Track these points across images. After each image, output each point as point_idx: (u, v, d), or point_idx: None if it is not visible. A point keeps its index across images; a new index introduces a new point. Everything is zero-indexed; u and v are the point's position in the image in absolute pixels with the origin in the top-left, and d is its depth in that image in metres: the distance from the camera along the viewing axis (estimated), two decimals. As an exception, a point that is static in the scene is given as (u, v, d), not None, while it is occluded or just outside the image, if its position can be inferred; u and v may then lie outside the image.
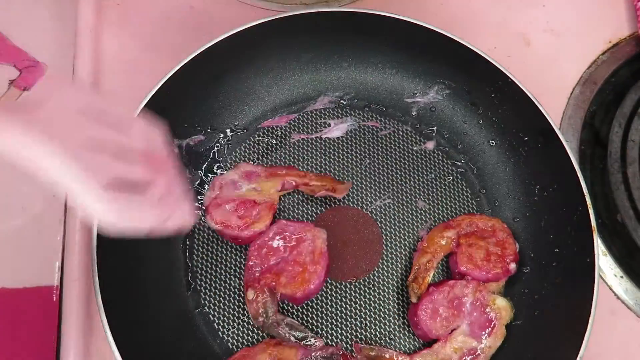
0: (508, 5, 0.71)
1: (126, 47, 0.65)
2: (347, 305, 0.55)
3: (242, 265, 0.56)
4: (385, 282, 0.56)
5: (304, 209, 0.59)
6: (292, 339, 0.51)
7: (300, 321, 0.54)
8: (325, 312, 0.55)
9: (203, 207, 0.57)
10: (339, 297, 0.55)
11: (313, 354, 0.50)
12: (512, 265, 0.54)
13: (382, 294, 0.56)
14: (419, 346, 0.54)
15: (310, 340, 0.51)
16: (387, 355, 0.52)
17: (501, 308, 0.52)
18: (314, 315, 0.54)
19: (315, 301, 0.55)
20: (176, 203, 0.42)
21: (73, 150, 0.33)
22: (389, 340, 0.54)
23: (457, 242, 0.55)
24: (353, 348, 0.53)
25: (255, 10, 0.67)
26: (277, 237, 0.54)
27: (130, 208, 0.37)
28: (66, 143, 0.33)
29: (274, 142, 0.61)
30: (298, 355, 0.50)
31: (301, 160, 0.61)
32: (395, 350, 0.52)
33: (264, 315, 0.51)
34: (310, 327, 0.54)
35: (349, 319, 0.55)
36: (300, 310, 0.55)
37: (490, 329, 0.51)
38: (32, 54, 0.65)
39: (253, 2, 0.68)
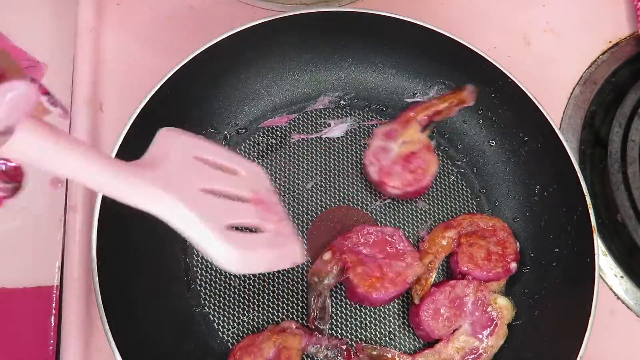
0: (508, 5, 0.71)
1: (126, 47, 0.65)
2: (348, 306, 0.55)
3: (242, 265, 0.56)
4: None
5: (304, 208, 0.58)
6: (314, 313, 0.52)
7: (300, 319, 0.54)
8: (325, 312, 0.55)
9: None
10: (339, 297, 0.55)
11: (315, 343, 0.50)
12: (513, 265, 0.54)
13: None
14: (420, 346, 0.54)
15: (320, 324, 0.51)
16: (389, 355, 0.52)
17: (502, 307, 0.52)
18: (314, 315, 0.55)
19: (315, 301, 0.55)
20: (287, 242, 0.44)
21: (193, 198, 0.37)
22: (389, 341, 0.54)
23: (458, 242, 0.55)
24: (355, 347, 0.53)
25: (255, 10, 0.67)
26: (386, 237, 0.54)
27: (248, 249, 0.40)
28: (186, 192, 0.37)
29: (274, 142, 0.61)
30: (302, 343, 0.50)
31: (301, 160, 0.61)
32: (397, 350, 0.52)
33: (320, 278, 0.52)
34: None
35: (350, 319, 0.55)
36: (301, 310, 0.55)
37: (492, 328, 0.51)
38: (32, 54, 0.65)
39: (253, 2, 0.68)
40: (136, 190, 0.36)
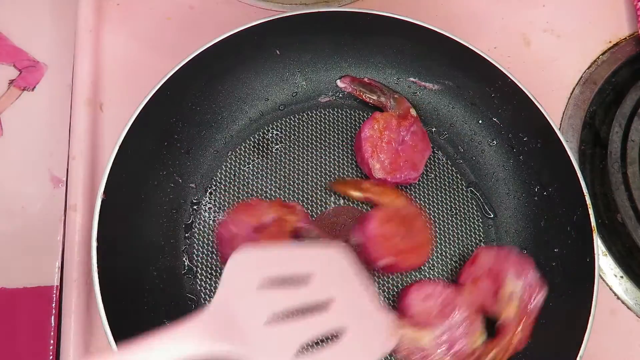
0: (508, 5, 0.71)
1: (126, 47, 0.65)
2: (347, 305, 0.55)
3: (242, 265, 0.56)
4: (386, 282, 0.56)
5: (304, 207, 0.58)
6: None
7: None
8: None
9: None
10: (339, 297, 0.55)
11: (309, 228, 0.52)
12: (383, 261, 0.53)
13: (382, 294, 0.56)
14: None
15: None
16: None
17: (477, 349, 0.51)
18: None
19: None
20: (369, 338, 0.43)
21: (258, 342, 0.37)
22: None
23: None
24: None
25: (255, 10, 0.67)
26: None
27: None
28: (252, 335, 0.37)
29: (274, 142, 0.61)
30: (298, 222, 0.51)
31: (301, 159, 0.61)
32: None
33: None
34: (310, 327, 0.54)
35: (349, 319, 0.55)
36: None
37: (454, 351, 0.50)
38: (32, 54, 0.65)
39: (253, 2, 0.68)
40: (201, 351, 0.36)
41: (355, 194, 0.57)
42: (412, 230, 0.55)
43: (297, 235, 0.51)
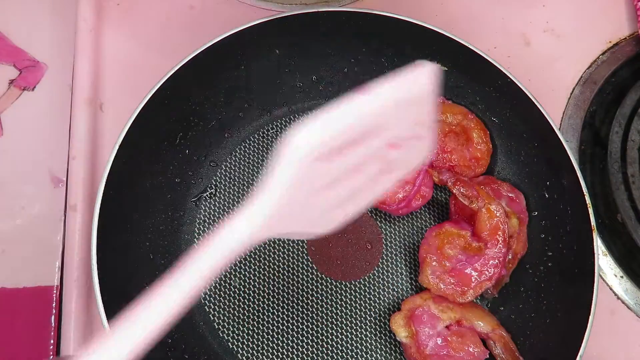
0: (508, 5, 0.71)
1: (126, 47, 0.65)
2: (348, 306, 0.55)
3: (242, 264, 0.56)
4: (385, 282, 0.56)
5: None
6: None
7: (300, 319, 0.54)
8: (325, 312, 0.55)
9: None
10: (339, 297, 0.55)
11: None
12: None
13: (382, 294, 0.56)
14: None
15: None
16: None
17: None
18: (314, 315, 0.55)
19: (314, 301, 0.55)
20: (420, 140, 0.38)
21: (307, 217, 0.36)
22: (388, 338, 0.54)
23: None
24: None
25: (255, 10, 0.67)
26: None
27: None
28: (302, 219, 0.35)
29: (274, 142, 0.61)
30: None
31: (301, 160, 0.61)
32: None
33: None
34: (310, 326, 0.54)
35: (348, 320, 0.55)
36: (301, 308, 0.55)
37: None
38: (32, 54, 0.65)
39: (253, 2, 0.68)
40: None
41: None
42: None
43: None
